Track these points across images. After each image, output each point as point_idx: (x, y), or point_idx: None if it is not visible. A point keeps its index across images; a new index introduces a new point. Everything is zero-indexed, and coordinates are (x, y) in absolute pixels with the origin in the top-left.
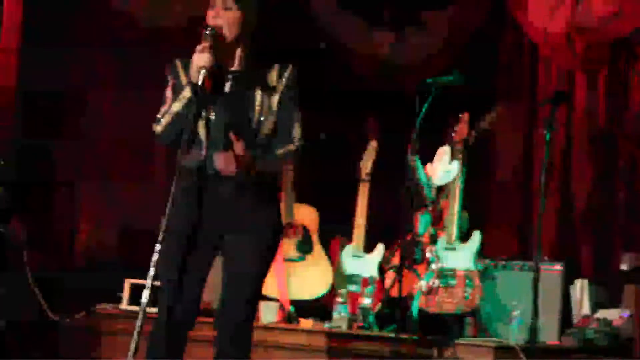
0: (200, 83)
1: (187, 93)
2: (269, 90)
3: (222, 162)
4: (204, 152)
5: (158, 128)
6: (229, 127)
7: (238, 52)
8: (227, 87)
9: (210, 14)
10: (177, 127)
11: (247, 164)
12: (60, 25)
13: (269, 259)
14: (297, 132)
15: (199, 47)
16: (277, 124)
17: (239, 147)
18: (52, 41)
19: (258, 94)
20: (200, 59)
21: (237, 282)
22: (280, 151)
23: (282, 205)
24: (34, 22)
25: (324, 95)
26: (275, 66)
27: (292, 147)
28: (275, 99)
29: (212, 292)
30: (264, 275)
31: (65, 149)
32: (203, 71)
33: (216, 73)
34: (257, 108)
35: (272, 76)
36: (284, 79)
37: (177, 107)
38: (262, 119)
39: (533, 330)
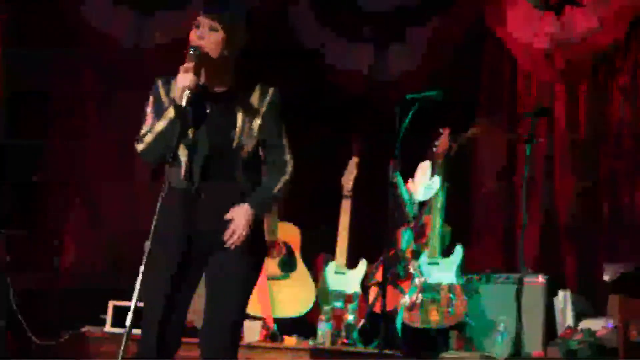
0: (183, 104)
1: (170, 113)
2: (251, 113)
3: (234, 239)
4: (182, 173)
5: (140, 146)
6: (211, 148)
7: (223, 73)
8: (209, 109)
9: (195, 34)
10: (159, 146)
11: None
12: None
13: (254, 279)
14: (288, 159)
15: (182, 67)
16: (268, 154)
17: (241, 213)
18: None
19: (239, 117)
20: (184, 79)
21: (223, 303)
22: (277, 187)
23: (265, 224)
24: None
25: (307, 111)
26: (257, 87)
27: (287, 177)
28: (257, 122)
29: (194, 311)
30: (248, 295)
31: (49, 164)
32: (187, 92)
33: (200, 94)
34: (237, 130)
35: (255, 98)
36: (266, 101)
37: (160, 126)
38: (242, 142)
39: (517, 343)
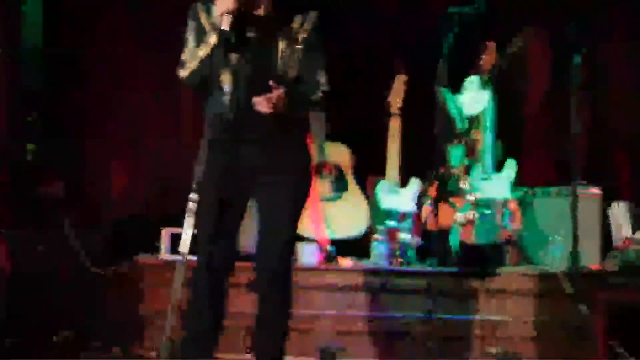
0: (226, 28)
1: (213, 38)
2: (291, 39)
3: (263, 104)
4: (228, 99)
5: (183, 73)
6: (253, 75)
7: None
8: (250, 33)
9: None
10: (202, 72)
11: (285, 106)
12: None
13: (302, 200)
14: (323, 79)
15: None
16: (303, 72)
17: (277, 92)
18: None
19: (281, 43)
20: (225, 3)
21: (272, 225)
22: (313, 97)
23: (314, 146)
24: None
25: (349, 34)
26: (298, 15)
27: (320, 94)
28: (299, 48)
29: (248, 236)
30: (298, 216)
31: (93, 102)
32: (229, 15)
33: (241, 18)
34: (280, 57)
35: (295, 24)
36: (306, 27)
37: (203, 52)
38: (285, 68)
39: (574, 256)
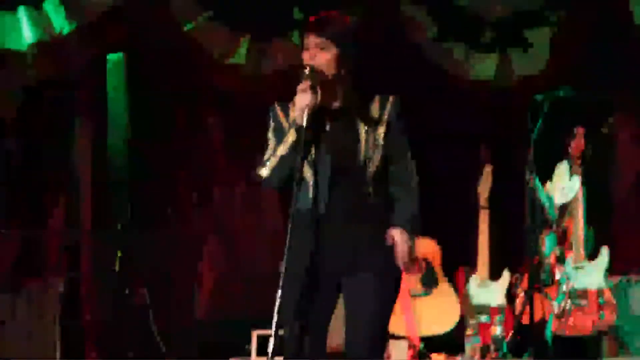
0: (304, 124)
1: (292, 136)
2: (372, 122)
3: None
4: (310, 194)
5: (264, 172)
6: (335, 166)
7: (339, 88)
8: (328, 126)
9: (306, 56)
10: (283, 171)
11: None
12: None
13: (391, 298)
14: (413, 168)
15: (300, 87)
16: (391, 154)
17: (401, 242)
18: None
19: (362, 129)
20: (303, 99)
21: (359, 322)
22: (415, 202)
23: None
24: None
25: (435, 125)
26: (377, 97)
27: (416, 189)
28: (381, 131)
29: (339, 335)
30: (387, 314)
31: (177, 200)
32: (306, 111)
33: (319, 112)
34: (362, 143)
35: (375, 108)
36: (387, 110)
37: (282, 150)
38: (369, 154)
39: None
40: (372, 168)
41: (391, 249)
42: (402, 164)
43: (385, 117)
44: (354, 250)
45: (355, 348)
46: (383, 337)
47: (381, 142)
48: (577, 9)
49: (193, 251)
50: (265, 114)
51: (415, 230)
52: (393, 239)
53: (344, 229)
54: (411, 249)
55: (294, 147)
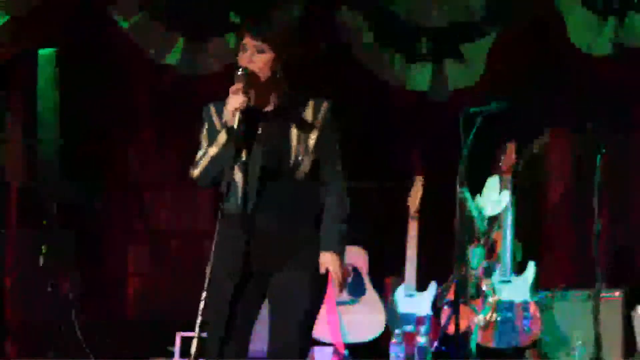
0: (235, 125)
1: (222, 137)
2: (305, 127)
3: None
4: (240, 195)
5: (195, 172)
6: (266, 168)
7: (273, 92)
8: (260, 129)
9: (243, 57)
10: (214, 171)
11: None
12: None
13: (317, 300)
14: (340, 173)
15: (232, 88)
16: (321, 160)
17: (333, 263)
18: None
19: (294, 133)
20: (234, 100)
21: (286, 327)
22: (342, 209)
23: None
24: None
25: (367, 133)
26: (310, 102)
27: (343, 190)
28: (313, 136)
29: (261, 340)
30: (313, 319)
31: (107, 197)
32: (237, 113)
33: (251, 114)
34: (293, 147)
35: (308, 112)
36: (321, 115)
37: (213, 151)
38: (299, 158)
39: (596, 359)
40: (302, 172)
41: (317, 256)
42: (333, 170)
43: (319, 122)
44: (282, 250)
45: (280, 346)
46: (309, 335)
47: (312, 147)
48: (513, 24)
49: (120, 250)
50: (200, 115)
51: (343, 247)
52: (326, 266)
53: (273, 229)
54: (342, 271)
55: (224, 148)
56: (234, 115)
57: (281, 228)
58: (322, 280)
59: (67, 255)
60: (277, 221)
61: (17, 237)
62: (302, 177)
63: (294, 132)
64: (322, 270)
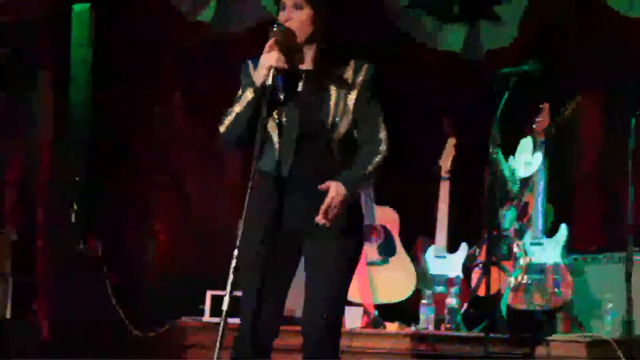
0: (269, 83)
1: (249, 95)
2: (344, 87)
3: (322, 220)
4: (275, 155)
5: (221, 128)
6: (302, 129)
7: (311, 50)
8: (299, 87)
9: (281, 15)
10: (239, 128)
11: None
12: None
13: (352, 263)
14: (383, 137)
15: (267, 45)
16: (361, 131)
17: (333, 191)
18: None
19: (333, 92)
20: (269, 57)
21: (319, 287)
22: (371, 166)
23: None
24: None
25: (400, 94)
26: (351, 62)
27: (381, 156)
28: (352, 97)
29: (296, 298)
30: (347, 280)
31: (136, 156)
32: (272, 70)
33: (287, 72)
34: (331, 107)
35: (348, 73)
36: (360, 76)
37: (238, 108)
38: (337, 119)
39: (628, 323)
40: (339, 132)
41: (354, 214)
42: (372, 131)
43: (359, 82)
44: (315, 214)
45: (314, 314)
46: (342, 301)
47: (351, 107)
48: None
49: (149, 208)
50: (232, 73)
51: (353, 189)
52: (328, 189)
53: (307, 192)
54: (341, 206)
55: (250, 106)
56: (267, 73)
57: (315, 191)
58: (353, 246)
59: (97, 212)
60: (312, 183)
61: (49, 191)
62: (340, 138)
63: (332, 91)
64: (323, 187)
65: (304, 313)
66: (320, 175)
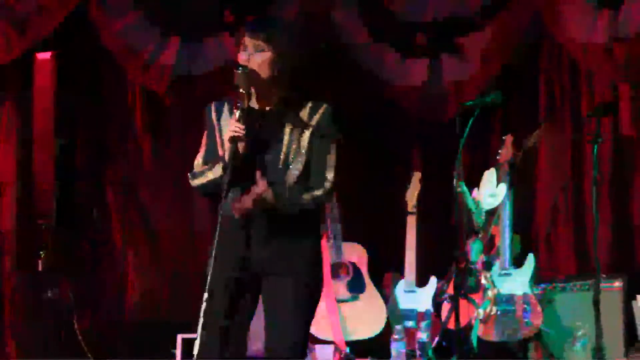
0: (233, 152)
1: (218, 170)
2: (299, 126)
3: (237, 204)
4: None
5: (193, 183)
6: (259, 167)
7: (274, 91)
8: (256, 127)
9: (242, 57)
10: (210, 189)
11: (264, 203)
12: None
13: (312, 299)
14: (330, 174)
15: (233, 118)
16: (310, 167)
17: (261, 184)
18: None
19: (287, 131)
20: (230, 128)
21: (279, 329)
22: (306, 196)
23: (329, 245)
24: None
25: (364, 128)
26: (309, 104)
27: (320, 193)
28: (306, 136)
29: (259, 340)
30: (308, 317)
31: (105, 202)
32: (232, 144)
33: (249, 114)
34: (284, 145)
35: (304, 113)
36: (316, 117)
37: (210, 176)
38: (290, 157)
39: (598, 350)
40: (293, 172)
41: (313, 254)
42: (320, 168)
43: (314, 122)
44: (273, 255)
45: (275, 351)
46: (303, 342)
47: (304, 147)
48: (509, 16)
49: (119, 252)
50: (196, 115)
51: (276, 199)
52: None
53: (267, 232)
54: (256, 202)
55: (221, 177)
56: (234, 144)
57: (273, 230)
58: (311, 286)
59: (67, 258)
60: (270, 224)
61: (16, 238)
62: (295, 178)
63: (287, 130)
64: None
65: (266, 352)
66: (277, 215)
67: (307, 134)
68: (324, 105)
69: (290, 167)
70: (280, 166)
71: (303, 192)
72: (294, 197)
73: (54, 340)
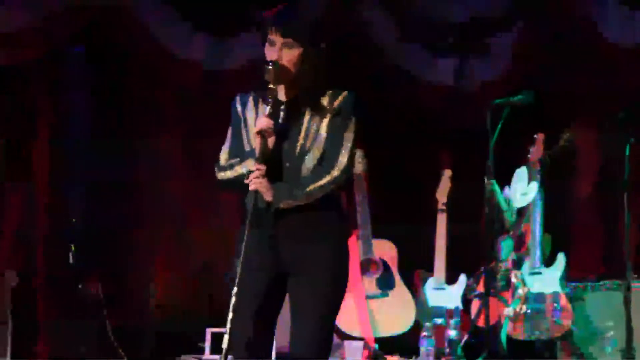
0: (257, 149)
1: (249, 163)
2: (318, 113)
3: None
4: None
5: (219, 175)
6: (281, 158)
7: (302, 86)
8: (281, 118)
9: (270, 52)
10: (237, 184)
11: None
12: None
13: (335, 297)
14: (342, 160)
15: (263, 113)
16: (324, 152)
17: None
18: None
19: (306, 119)
20: (259, 122)
21: (303, 322)
22: (316, 185)
23: (360, 242)
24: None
25: (394, 127)
26: (329, 91)
27: (332, 177)
28: (325, 122)
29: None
30: (333, 311)
31: (134, 199)
32: (259, 137)
33: (276, 106)
34: (302, 133)
35: (324, 100)
36: (335, 104)
37: (238, 171)
38: (307, 145)
39: (628, 350)
40: (308, 161)
41: (337, 249)
42: (333, 153)
43: (335, 106)
44: (297, 251)
45: (299, 349)
46: (328, 338)
47: (322, 134)
48: (539, 16)
49: (148, 247)
50: (226, 110)
51: (278, 202)
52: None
53: (292, 226)
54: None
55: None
56: (261, 137)
57: (298, 225)
58: (337, 282)
59: (96, 253)
60: (294, 217)
61: (48, 233)
62: (311, 166)
63: (306, 118)
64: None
65: (291, 346)
66: (295, 209)
67: (325, 120)
68: (345, 92)
69: (306, 156)
70: (297, 155)
71: (309, 184)
72: (298, 197)
73: (86, 336)
